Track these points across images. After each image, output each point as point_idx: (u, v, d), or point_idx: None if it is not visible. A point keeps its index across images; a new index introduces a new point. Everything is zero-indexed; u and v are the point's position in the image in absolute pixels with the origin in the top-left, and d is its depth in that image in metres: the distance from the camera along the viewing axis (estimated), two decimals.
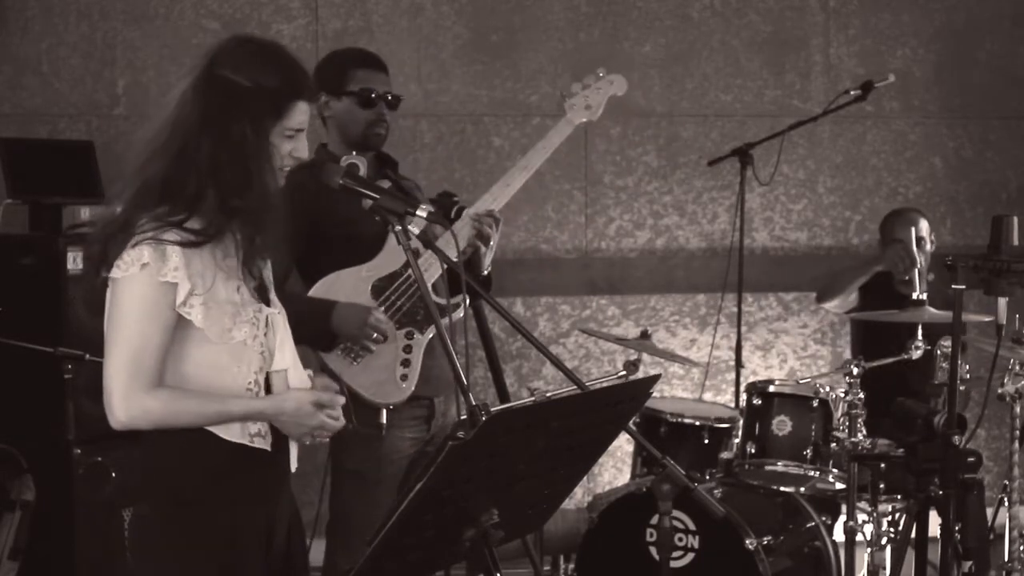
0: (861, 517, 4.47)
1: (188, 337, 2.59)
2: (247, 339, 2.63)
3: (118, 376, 2.55)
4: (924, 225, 5.20)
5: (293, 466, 2.77)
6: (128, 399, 2.54)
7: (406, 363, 3.73)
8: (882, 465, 4.38)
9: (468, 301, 3.92)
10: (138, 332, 2.54)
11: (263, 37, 2.74)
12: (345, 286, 3.76)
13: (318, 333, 3.73)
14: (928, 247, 5.19)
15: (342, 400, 2.74)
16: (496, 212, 3.85)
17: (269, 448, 2.66)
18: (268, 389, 2.69)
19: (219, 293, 2.60)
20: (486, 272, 3.94)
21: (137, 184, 2.61)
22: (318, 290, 3.78)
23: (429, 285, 3.66)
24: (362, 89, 3.92)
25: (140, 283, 2.54)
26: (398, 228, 2.72)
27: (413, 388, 3.74)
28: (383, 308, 3.75)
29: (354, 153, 3.89)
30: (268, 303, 2.72)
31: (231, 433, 2.62)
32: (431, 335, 3.76)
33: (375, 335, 3.68)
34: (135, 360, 2.54)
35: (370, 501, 3.79)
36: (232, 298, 2.62)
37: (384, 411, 3.73)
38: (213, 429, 2.61)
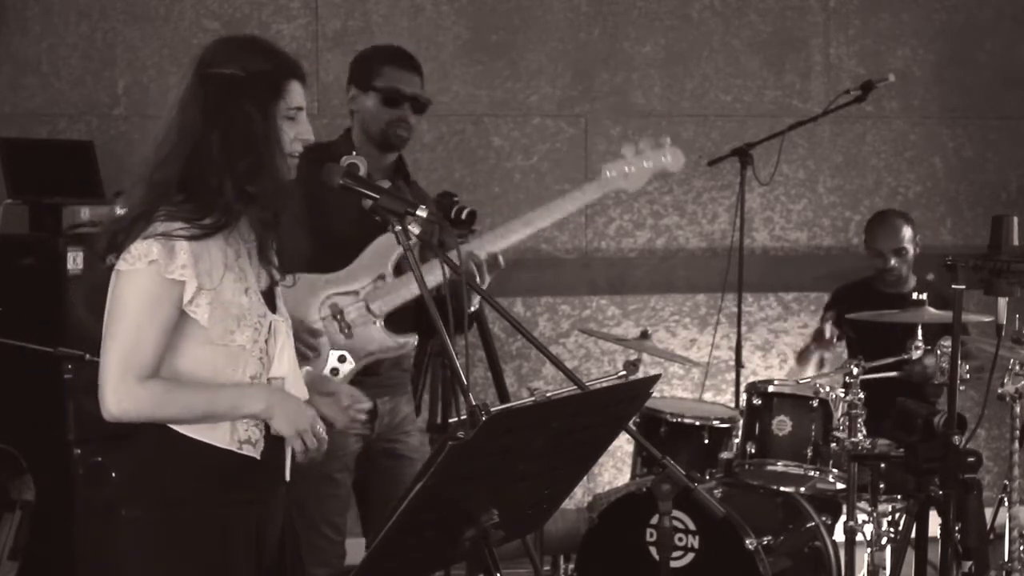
0: (861, 517, 4.47)
1: (189, 335, 2.59)
2: (247, 343, 2.62)
3: (112, 369, 2.54)
4: (906, 233, 5.25)
5: (287, 476, 2.75)
6: (119, 391, 2.54)
7: None
8: (882, 465, 4.39)
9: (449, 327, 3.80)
10: (136, 327, 2.54)
11: (242, 33, 2.77)
12: (297, 292, 3.66)
13: None
14: (911, 254, 5.27)
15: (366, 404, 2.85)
16: (500, 259, 3.67)
17: (259, 456, 2.65)
18: None
19: (225, 293, 2.60)
20: (472, 310, 3.78)
21: (150, 185, 2.61)
22: None
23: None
24: (388, 87, 3.82)
25: (145, 278, 2.53)
26: (398, 228, 2.71)
27: None
28: (325, 322, 3.65)
29: (354, 153, 3.86)
30: (274, 309, 2.72)
31: (219, 439, 2.61)
32: (364, 363, 3.62)
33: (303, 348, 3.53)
34: (131, 355, 2.54)
35: (321, 495, 3.77)
36: (239, 300, 2.62)
37: None
38: (201, 436, 2.60)
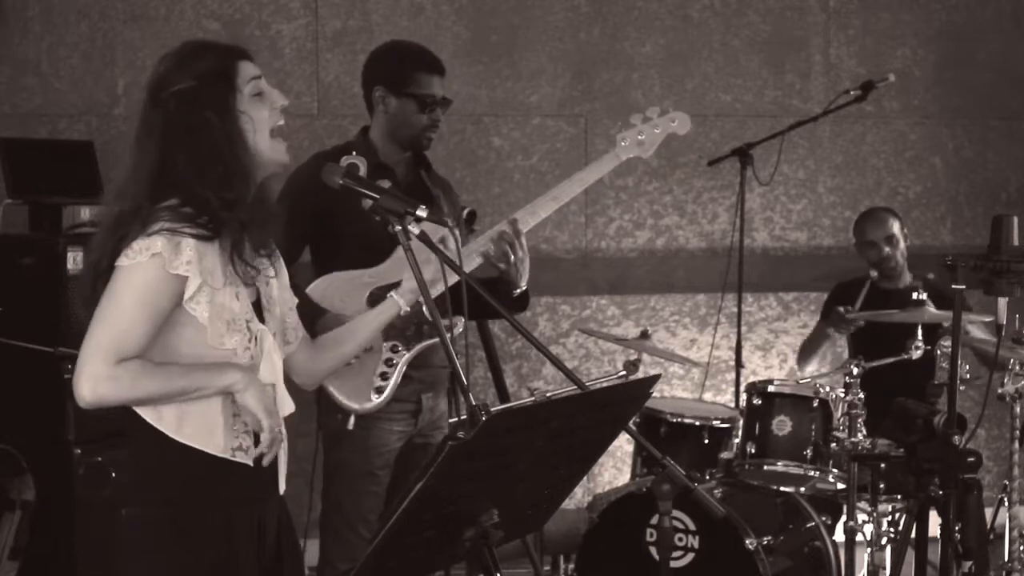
0: (861, 517, 4.47)
1: (186, 336, 2.58)
2: (238, 348, 2.62)
3: (94, 355, 2.52)
4: (894, 223, 5.31)
5: (282, 487, 2.75)
6: (97, 376, 2.51)
7: (384, 376, 3.65)
8: (882, 465, 4.39)
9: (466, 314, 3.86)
10: (127, 317, 2.52)
11: (178, 44, 2.73)
12: (342, 289, 3.71)
13: None
14: (902, 245, 5.35)
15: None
16: (518, 224, 3.69)
17: (251, 463, 2.65)
18: None
19: (219, 296, 2.60)
20: (522, 289, 3.81)
21: (125, 205, 2.60)
22: (316, 287, 3.74)
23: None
24: (425, 94, 3.88)
25: (146, 271, 2.52)
26: (398, 228, 2.72)
27: (385, 402, 3.66)
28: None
29: (354, 153, 3.87)
30: (262, 320, 2.71)
31: (215, 447, 2.61)
32: (417, 351, 3.69)
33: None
34: (116, 342, 2.51)
35: (359, 491, 3.79)
36: (231, 305, 2.62)
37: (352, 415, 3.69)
38: (197, 444, 2.60)
